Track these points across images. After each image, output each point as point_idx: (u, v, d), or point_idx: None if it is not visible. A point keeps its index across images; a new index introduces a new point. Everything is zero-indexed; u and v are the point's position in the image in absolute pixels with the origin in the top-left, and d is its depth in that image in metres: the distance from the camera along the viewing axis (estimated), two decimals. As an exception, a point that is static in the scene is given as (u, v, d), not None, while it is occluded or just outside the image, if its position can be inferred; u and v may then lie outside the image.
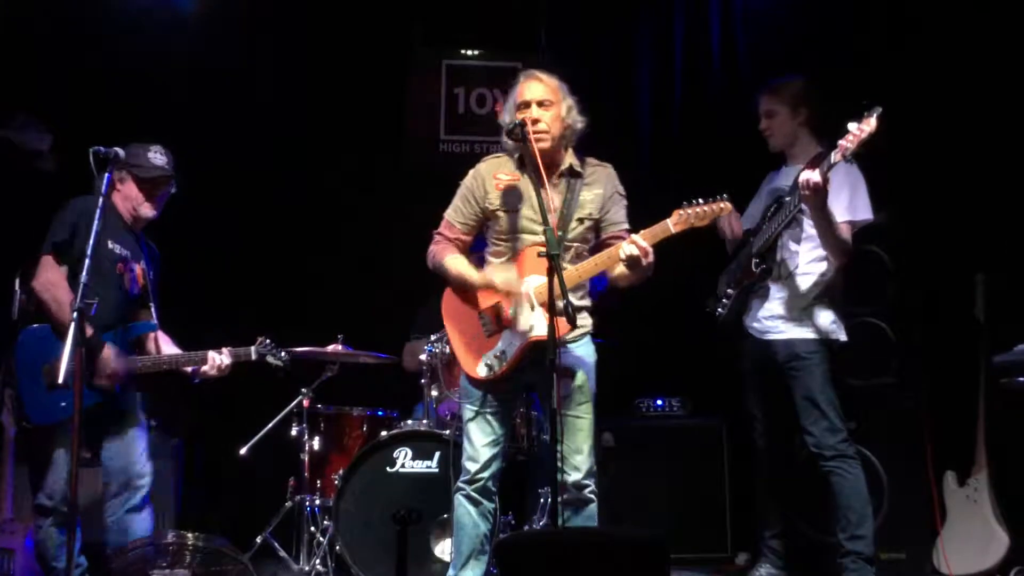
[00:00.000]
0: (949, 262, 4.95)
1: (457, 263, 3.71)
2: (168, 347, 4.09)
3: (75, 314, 3.38)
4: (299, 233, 5.84)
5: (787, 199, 4.11)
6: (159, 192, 4.04)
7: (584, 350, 3.70)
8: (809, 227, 4.09)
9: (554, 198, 3.63)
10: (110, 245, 3.90)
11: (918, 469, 4.67)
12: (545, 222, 3.35)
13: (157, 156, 4.02)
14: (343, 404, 5.01)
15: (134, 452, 3.94)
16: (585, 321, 3.72)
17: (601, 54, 6.24)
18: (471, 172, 3.78)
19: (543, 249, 3.57)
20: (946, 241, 4.98)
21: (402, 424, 4.79)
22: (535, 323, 3.56)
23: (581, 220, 3.66)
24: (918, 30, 5.21)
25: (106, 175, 3.62)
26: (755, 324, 4.27)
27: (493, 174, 3.72)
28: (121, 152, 3.70)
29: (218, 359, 4.01)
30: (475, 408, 3.68)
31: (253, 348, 4.17)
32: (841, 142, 3.76)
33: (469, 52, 6.30)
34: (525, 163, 3.69)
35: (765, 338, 4.23)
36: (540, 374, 3.65)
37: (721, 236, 4.38)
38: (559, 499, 3.56)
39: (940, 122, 5.05)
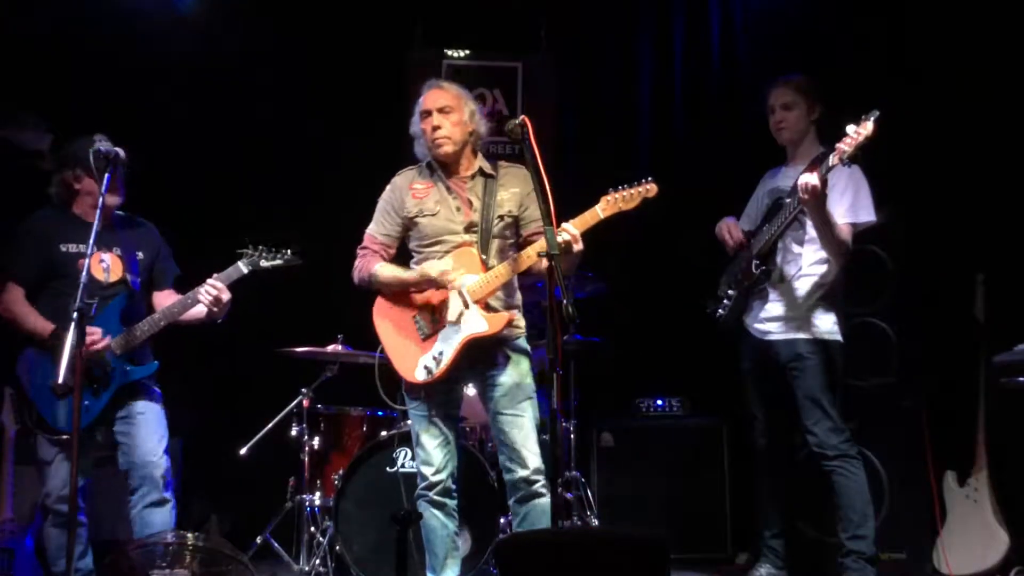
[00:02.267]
0: (949, 262, 4.95)
1: (387, 267, 3.81)
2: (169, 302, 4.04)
3: (75, 314, 3.40)
4: (299, 233, 5.83)
5: (787, 200, 4.10)
6: (116, 178, 3.96)
7: (520, 344, 3.78)
8: (812, 229, 4.08)
9: (472, 199, 3.76)
10: (63, 248, 3.94)
11: (918, 469, 4.67)
12: (547, 222, 3.36)
13: (102, 144, 3.90)
14: (343, 404, 5.01)
15: (147, 443, 3.95)
16: (520, 321, 3.82)
17: (601, 54, 6.24)
18: (388, 186, 3.93)
19: (472, 250, 3.70)
20: (946, 241, 4.97)
21: (402, 424, 4.78)
22: (469, 321, 3.63)
23: (501, 218, 3.76)
24: (918, 30, 5.20)
25: (106, 175, 3.66)
26: (756, 325, 4.27)
27: (409, 184, 3.86)
28: (121, 152, 3.74)
29: (212, 291, 3.92)
30: (421, 415, 3.75)
31: (241, 263, 3.99)
32: (839, 145, 3.76)
33: (469, 52, 6.30)
34: (434, 170, 3.83)
35: (766, 339, 4.22)
36: (475, 374, 3.78)
37: (720, 241, 4.38)
38: (510, 499, 3.64)
39: (940, 122, 5.04)
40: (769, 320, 4.22)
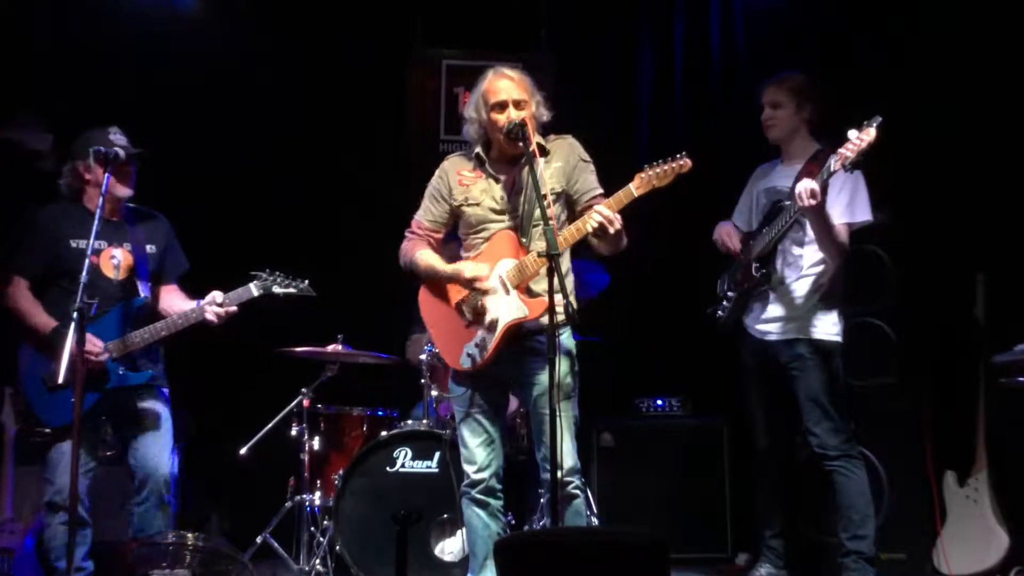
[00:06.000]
0: (949, 262, 4.95)
1: (427, 257, 3.72)
2: (181, 306, 4.07)
3: (75, 314, 3.41)
4: (298, 233, 5.84)
5: (787, 203, 4.08)
6: (128, 170, 3.99)
7: (564, 341, 3.64)
8: (812, 231, 4.08)
9: (515, 179, 3.64)
10: (73, 244, 3.91)
11: (918, 469, 4.66)
12: (545, 221, 3.32)
13: (118, 137, 3.99)
14: (343, 404, 5.01)
15: (153, 448, 3.96)
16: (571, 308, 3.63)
17: (601, 54, 6.24)
18: (437, 171, 3.82)
19: (514, 234, 3.61)
20: (946, 241, 4.97)
21: (402, 424, 4.79)
22: (511, 307, 3.56)
23: (545, 196, 3.60)
24: (918, 30, 5.20)
25: (106, 176, 3.68)
26: (756, 326, 4.26)
27: (456, 171, 3.76)
28: (121, 153, 3.75)
29: (219, 311, 3.95)
30: (463, 409, 3.69)
31: (253, 285, 4.03)
32: (841, 151, 3.73)
33: (469, 50, 6.30)
34: (482, 159, 3.72)
35: (766, 339, 4.22)
36: (519, 366, 3.65)
37: (722, 250, 4.37)
38: (544, 496, 3.59)
39: (940, 122, 5.04)
40: (769, 321, 4.22)
